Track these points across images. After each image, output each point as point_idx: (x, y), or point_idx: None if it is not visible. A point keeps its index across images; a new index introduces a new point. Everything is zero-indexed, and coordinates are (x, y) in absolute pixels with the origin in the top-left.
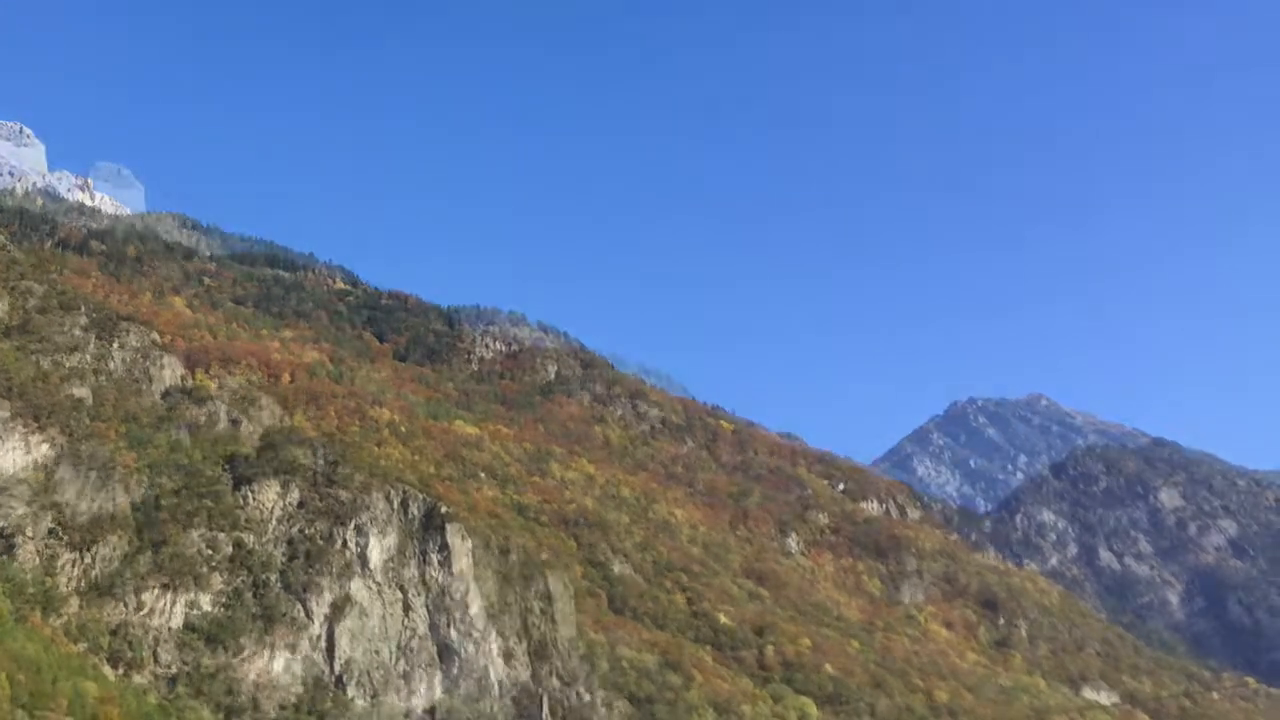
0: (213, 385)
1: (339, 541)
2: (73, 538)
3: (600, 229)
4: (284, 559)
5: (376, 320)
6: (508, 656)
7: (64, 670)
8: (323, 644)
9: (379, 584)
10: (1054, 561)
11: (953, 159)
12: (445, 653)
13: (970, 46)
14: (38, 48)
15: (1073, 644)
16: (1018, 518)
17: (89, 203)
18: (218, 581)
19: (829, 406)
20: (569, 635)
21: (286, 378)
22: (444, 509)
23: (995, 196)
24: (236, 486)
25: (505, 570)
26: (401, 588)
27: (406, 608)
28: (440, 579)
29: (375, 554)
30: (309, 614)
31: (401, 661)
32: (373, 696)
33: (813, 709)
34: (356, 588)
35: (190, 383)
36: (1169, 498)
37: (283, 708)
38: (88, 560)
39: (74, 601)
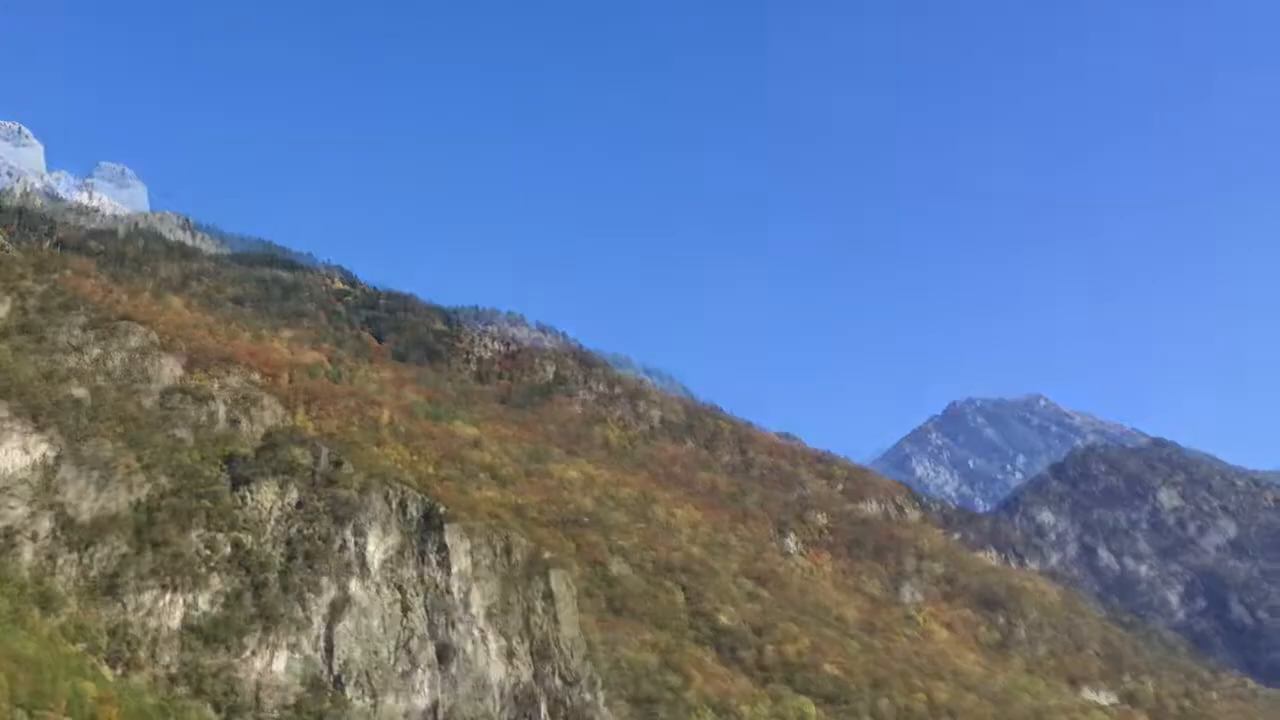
0: (212, 385)
1: (338, 542)
2: (72, 537)
3: (600, 229)
4: (283, 559)
5: (375, 320)
6: (509, 656)
7: (63, 670)
8: (321, 644)
9: (378, 584)
10: (1054, 561)
11: (952, 160)
12: (445, 652)
13: (970, 48)
14: (38, 48)
15: (1073, 644)
16: (1017, 518)
17: (88, 202)
18: (216, 582)
19: (828, 406)
20: (572, 635)
21: (286, 378)
22: (443, 509)
23: (994, 197)
24: (235, 487)
25: (507, 570)
26: (400, 588)
27: (405, 608)
28: (439, 579)
29: (374, 554)
30: (308, 614)
31: (401, 661)
32: (372, 696)
33: (812, 709)
34: (355, 588)
35: (189, 383)
36: (1169, 498)
37: (281, 708)
38: (86, 560)
39: (73, 601)
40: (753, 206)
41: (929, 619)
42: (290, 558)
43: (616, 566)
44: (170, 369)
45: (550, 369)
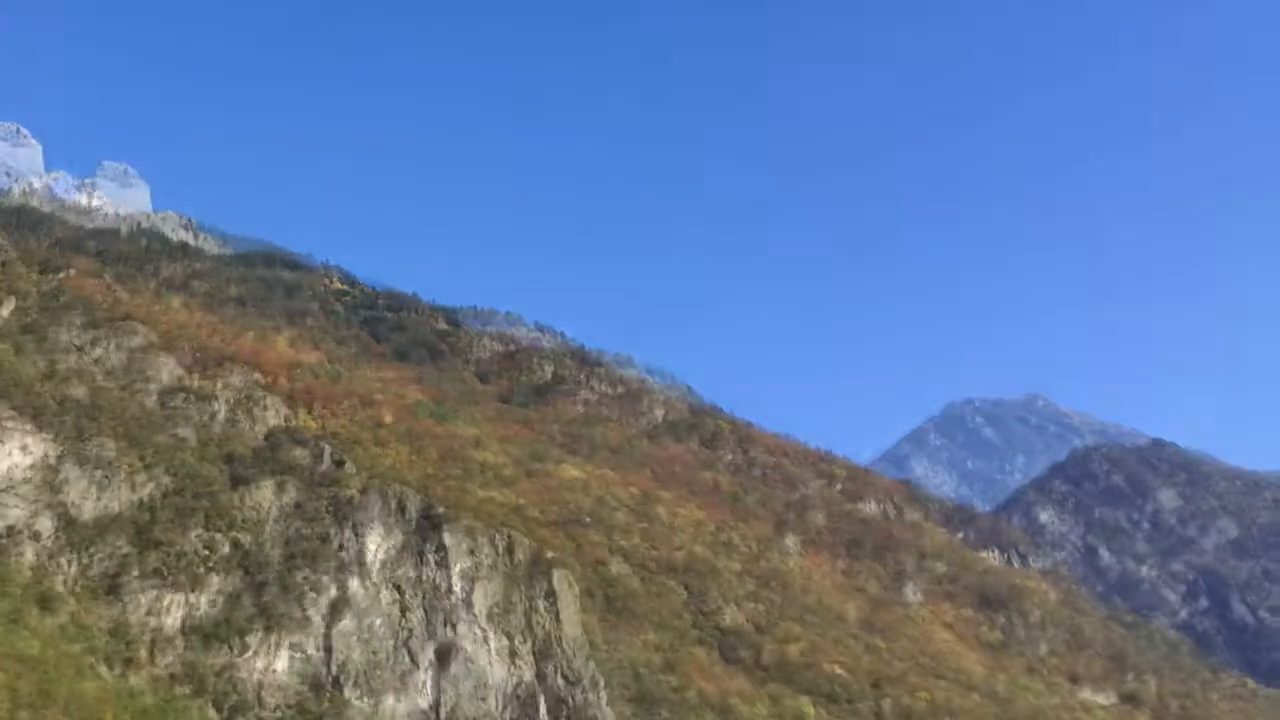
0: (214, 385)
1: (336, 541)
2: (73, 537)
3: (600, 229)
4: (281, 559)
5: (374, 320)
6: (511, 656)
7: (63, 671)
8: (320, 645)
9: (377, 584)
10: (1054, 561)
11: (952, 160)
12: (445, 652)
13: (970, 48)
14: (38, 48)
15: (1074, 644)
16: (1018, 517)
17: (87, 202)
18: (216, 581)
19: (827, 407)
20: (574, 634)
21: (285, 378)
22: (442, 509)
23: (994, 197)
24: (233, 486)
25: (509, 569)
26: (400, 587)
27: (405, 608)
28: (440, 578)
29: (374, 554)
30: (306, 614)
31: (400, 661)
32: (372, 696)
33: (812, 709)
34: (355, 587)
35: (191, 382)
36: (1169, 498)
37: (284, 708)
38: (87, 560)
39: (74, 601)
40: (753, 206)
41: (930, 619)
42: (290, 557)
43: (618, 566)
44: (172, 368)
45: (548, 368)
